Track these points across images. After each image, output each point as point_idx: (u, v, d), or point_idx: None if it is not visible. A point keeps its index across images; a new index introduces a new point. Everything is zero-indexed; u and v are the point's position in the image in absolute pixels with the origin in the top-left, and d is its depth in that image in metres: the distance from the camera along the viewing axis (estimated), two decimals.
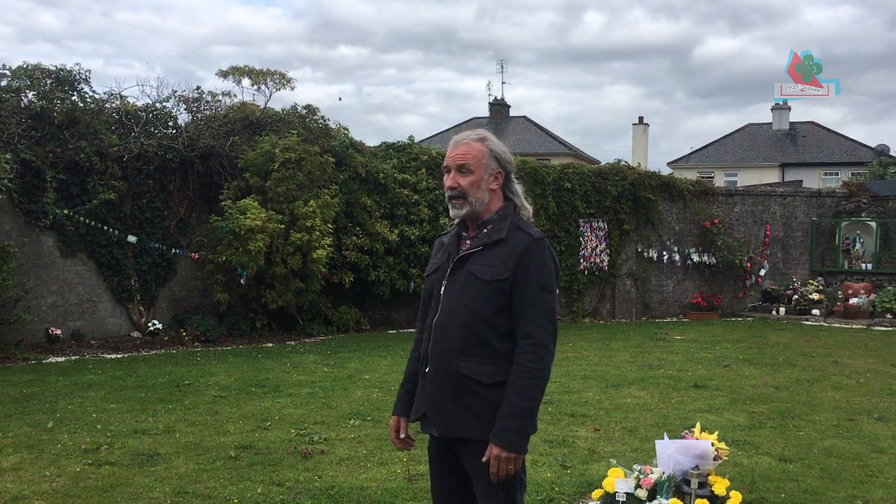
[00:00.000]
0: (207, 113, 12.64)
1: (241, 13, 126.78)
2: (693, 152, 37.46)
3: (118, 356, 10.23)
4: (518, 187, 2.85)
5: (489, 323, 2.66)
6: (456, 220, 2.85)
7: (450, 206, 2.79)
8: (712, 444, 4.40)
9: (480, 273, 2.69)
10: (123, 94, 12.05)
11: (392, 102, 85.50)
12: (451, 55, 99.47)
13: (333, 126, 13.69)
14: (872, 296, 15.72)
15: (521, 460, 2.64)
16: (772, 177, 31.87)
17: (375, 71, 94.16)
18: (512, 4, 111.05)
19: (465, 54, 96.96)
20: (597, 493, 4.48)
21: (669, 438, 4.55)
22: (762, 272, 16.64)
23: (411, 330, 13.42)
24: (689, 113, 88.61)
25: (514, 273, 2.66)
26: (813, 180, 28.83)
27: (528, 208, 2.84)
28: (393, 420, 2.95)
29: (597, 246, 15.46)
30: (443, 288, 2.77)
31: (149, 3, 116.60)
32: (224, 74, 13.22)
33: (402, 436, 2.91)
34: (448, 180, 2.77)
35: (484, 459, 2.62)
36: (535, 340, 2.63)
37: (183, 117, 12.51)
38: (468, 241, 2.79)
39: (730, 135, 38.10)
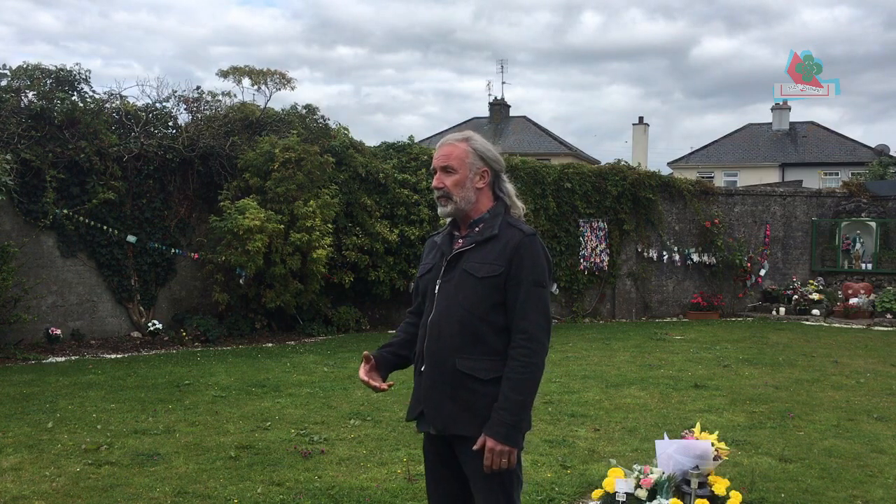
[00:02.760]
0: (207, 113, 12.65)
1: (239, 14, 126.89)
2: (693, 152, 37.46)
3: (118, 356, 10.23)
4: (509, 186, 2.87)
5: (484, 319, 2.68)
6: (448, 220, 2.88)
7: (438, 206, 2.84)
8: (712, 444, 4.40)
9: (474, 270, 2.70)
10: (123, 94, 12.08)
11: (391, 103, 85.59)
12: (449, 55, 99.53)
13: (333, 126, 13.71)
14: (872, 296, 15.72)
15: (514, 454, 2.64)
16: (772, 177, 31.86)
17: (373, 71, 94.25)
18: (509, 5, 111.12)
19: (463, 55, 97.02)
20: (597, 493, 4.49)
21: (669, 438, 4.55)
22: (762, 272, 16.64)
23: None
24: (686, 113, 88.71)
25: (507, 269, 2.68)
26: (813, 180, 28.82)
27: (519, 207, 2.86)
28: (368, 360, 2.88)
29: (597, 246, 15.46)
30: (437, 287, 2.78)
31: (147, 3, 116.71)
32: (224, 74, 13.21)
33: (375, 378, 2.86)
34: (434, 181, 2.83)
35: (475, 447, 2.63)
36: (528, 335, 2.65)
37: (183, 117, 12.54)
38: (460, 240, 2.81)
39: (730, 135, 38.09)
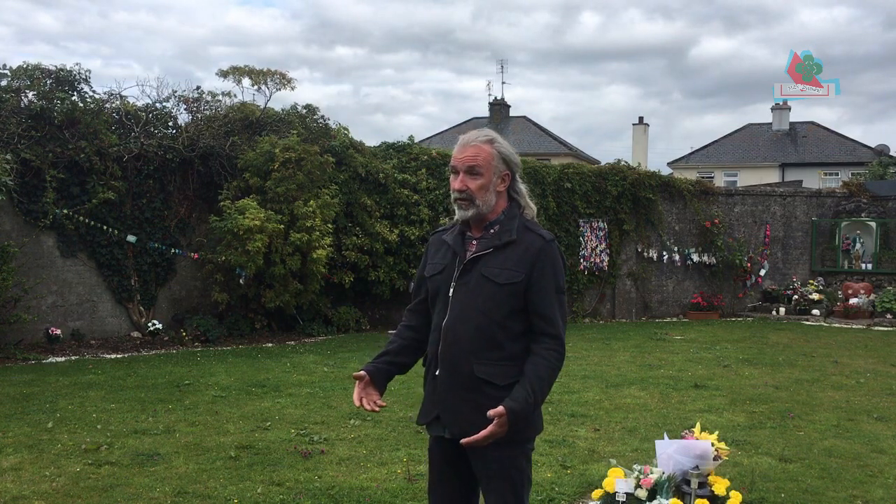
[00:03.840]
0: (207, 113, 12.64)
1: (238, 14, 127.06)
2: (693, 152, 37.47)
3: (118, 356, 10.23)
4: (522, 187, 2.83)
5: (502, 325, 2.65)
6: (459, 220, 2.82)
7: (456, 207, 2.76)
8: (712, 444, 4.40)
9: (494, 276, 2.66)
10: (123, 94, 12.07)
11: (390, 103, 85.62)
12: (448, 56, 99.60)
13: (333, 126, 13.70)
14: (872, 296, 15.72)
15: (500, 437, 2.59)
16: (772, 177, 31.87)
17: (373, 71, 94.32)
18: (508, 5, 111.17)
19: (462, 55, 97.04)
20: (597, 493, 4.48)
21: (669, 438, 4.54)
22: (762, 272, 16.64)
23: None
24: (685, 113, 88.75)
25: (528, 275, 2.65)
26: (813, 180, 28.82)
27: (532, 208, 2.82)
28: (362, 378, 2.77)
29: (597, 246, 15.46)
30: (451, 290, 2.72)
31: (146, 3, 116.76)
32: (224, 74, 13.21)
33: (369, 401, 2.74)
34: (456, 182, 2.72)
35: (492, 413, 2.54)
36: (559, 341, 2.65)
37: (183, 117, 12.53)
38: (474, 242, 2.75)
39: (730, 135, 38.10)
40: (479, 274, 2.68)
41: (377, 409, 2.76)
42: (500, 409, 2.53)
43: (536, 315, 2.65)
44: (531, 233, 2.71)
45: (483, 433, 2.54)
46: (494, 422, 2.53)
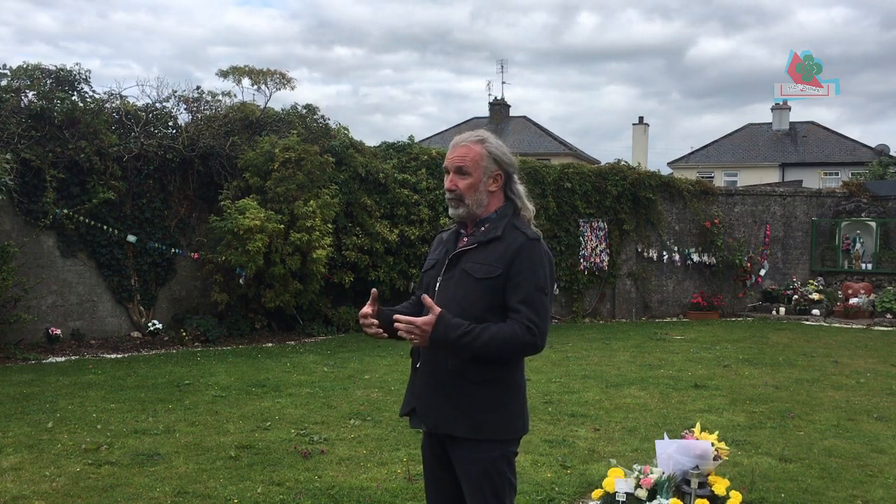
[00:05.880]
0: (207, 113, 12.64)
1: (236, 14, 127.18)
2: (693, 152, 37.46)
3: (118, 356, 10.23)
4: (520, 188, 2.84)
5: (480, 321, 2.65)
6: (453, 218, 2.87)
7: (449, 207, 2.82)
8: (712, 444, 4.40)
9: (473, 271, 2.69)
10: (123, 94, 12.06)
11: (389, 103, 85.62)
12: (446, 56, 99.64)
13: (333, 126, 13.70)
14: (872, 296, 15.72)
15: (425, 340, 2.59)
16: (772, 177, 31.87)
17: (372, 71, 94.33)
18: (506, 5, 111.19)
19: (461, 55, 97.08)
20: (597, 493, 4.49)
21: (669, 438, 4.55)
22: (762, 272, 16.64)
23: None
24: (684, 113, 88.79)
25: (506, 271, 2.65)
26: (813, 180, 28.82)
27: (529, 209, 2.83)
28: (375, 297, 2.86)
29: (597, 246, 15.46)
30: (437, 284, 2.79)
31: (145, 3, 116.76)
32: (224, 74, 13.20)
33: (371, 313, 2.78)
34: (447, 182, 2.79)
35: (415, 320, 2.59)
36: (535, 329, 2.61)
37: (183, 117, 12.52)
38: (465, 239, 2.81)
39: (730, 135, 38.09)
40: (461, 269, 2.73)
41: (384, 336, 2.77)
42: (437, 308, 2.58)
43: (513, 309, 2.63)
44: (516, 230, 2.72)
45: (411, 318, 2.59)
46: (421, 320, 2.57)
